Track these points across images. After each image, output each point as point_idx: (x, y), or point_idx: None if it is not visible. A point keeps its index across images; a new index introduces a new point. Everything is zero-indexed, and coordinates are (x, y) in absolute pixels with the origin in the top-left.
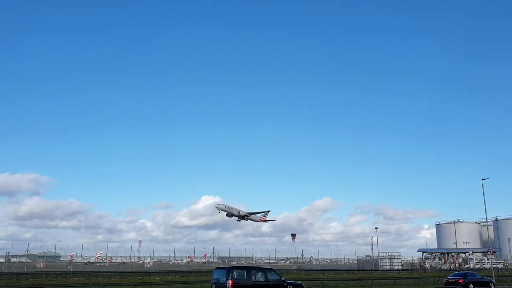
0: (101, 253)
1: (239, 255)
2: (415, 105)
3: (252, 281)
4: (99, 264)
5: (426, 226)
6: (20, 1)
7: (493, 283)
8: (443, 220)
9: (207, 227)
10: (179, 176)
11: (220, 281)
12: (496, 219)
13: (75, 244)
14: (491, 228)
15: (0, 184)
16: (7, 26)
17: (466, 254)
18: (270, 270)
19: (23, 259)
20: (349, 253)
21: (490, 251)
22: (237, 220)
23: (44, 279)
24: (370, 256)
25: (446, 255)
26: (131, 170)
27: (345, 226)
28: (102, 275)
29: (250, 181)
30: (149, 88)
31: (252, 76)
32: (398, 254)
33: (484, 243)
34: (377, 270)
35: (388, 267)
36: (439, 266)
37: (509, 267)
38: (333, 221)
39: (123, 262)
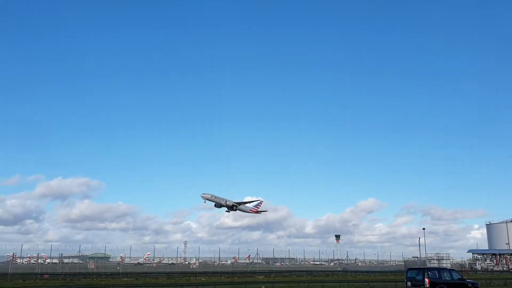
0: (148, 254)
1: (283, 256)
2: (464, 105)
3: (443, 279)
4: (147, 265)
5: (476, 226)
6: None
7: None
8: (494, 219)
9: (251, 228)
10: (223, 177)
11: (416, 279)
12: None
13: (124, 245)
14: None
15: (53, 188)
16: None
17: None
18: (454, 270)
19: (75, 260)
20: (396, 254)
21: None
22: (226, 211)
23: (95, 279)
24: (417, 257)
25: (498, 256)
26: (176, 172)
27: (391, 227)
28: (150, 276)
29: (293, 183)
30: (193, 88)
31: (291, 76)
32: (447, 255)
33: None
34: None
35: None
36: (491, 267)
37: None
38: (379, 222)
39: (172, 263)
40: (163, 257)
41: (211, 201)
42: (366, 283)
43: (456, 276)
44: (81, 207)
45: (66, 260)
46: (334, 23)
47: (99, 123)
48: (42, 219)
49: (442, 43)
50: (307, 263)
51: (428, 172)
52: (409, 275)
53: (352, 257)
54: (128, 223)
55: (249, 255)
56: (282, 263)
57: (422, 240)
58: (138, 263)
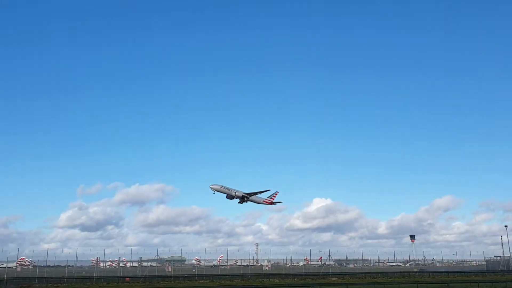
0: (221, 256)
1: (356, 257)
2: None
3: None
4: (221, 267)
5: None
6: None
7: None
8: None
9: (321, 229)
10: (292, 179)
11: None
12: None
13: (198, 248)
14: None
15: (131, 195)
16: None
17: None
18: None
19: (153, 263)
20: (476, 254)
21: None
22: (238, 202)
23: (173, 281)
24: (500, 256)
25: None
26: (246, 174)
27: (469, 225)
28: (224, 278)
29: (364, 183)
30: (266, 87)
31: (364, 79)
32: None
33: None
34: (510, 271)
35: None
36: None
37: None
38: (456, 220)
39: (247, 265)
40: (236, 259)
41: (221, 192)
42: (446, 284)
43: None
44: (157, 212)
45: (145, 264)
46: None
47: (169, 132)
48: (122, 225)
49: None
50: (381, 265)
51: (508, 168)
52: None
53: (428, 258)
54: (201, 226)
55: (321, 257)
56: (355, 265)
57: (504, 238)
58: (215, 265)
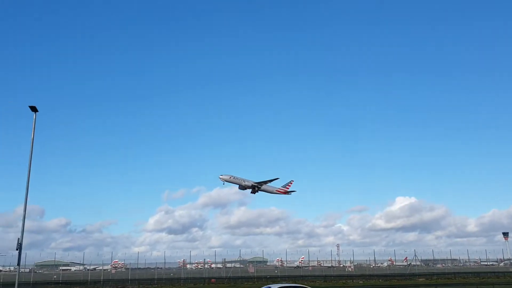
0: (303, 257)
1: (444, 257)
2: None
3: None
4: (304, 268)
5: None
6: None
7: None
8: None
9: (405, 229)
10: (372, 179)
11: None
12: None
13: (279, 249)
14: None
15: (213, 198)
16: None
17: None
18: None
19: (237, 265)
20: None
21: None
22: (251, 192)
23: (256, 282)
24: None
25: None
26: (322, 175)
27: None
28: (307, 279)
29: (449, 179)
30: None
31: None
32: None
33: None
34: None
35: None
36: None
37: None
38: None
39: (332, 266)
40: (317, 260)
41: (231, 182)
42: None
43: None
44: (238, 214)
45: (228, 265)
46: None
47: (244, 130)
48: (205, 227)
49: None
50: (472, 264)
51: None
52: None
53: None
54: (281, 227)
55: (406, 257)
56: (444, 265)
57: None
58: (298, 266)
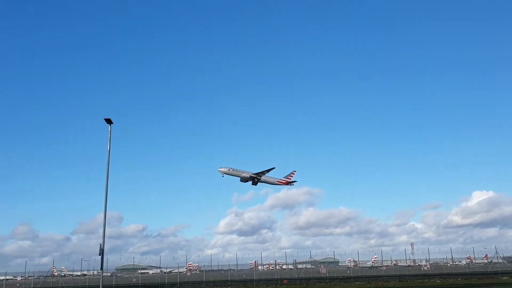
0: (375, 257)
1: None
2: None
3: None
4: (377, 268)
5: None
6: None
7: None
8: None
9: (484, 225)
10: (445, 174)
11: None
12: None
13: (350, 249)
14: None
15: (281, 199)
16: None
17: None
18: None
19: (308, 266)
20: None
21: None
22: (252, 184)
23: (328, 283)
24: None
25: None
26: (394, 172)
27: None
28: (381, 279)
29: None
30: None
31: None
32: None
33: None
34: None
35: None
36: None
37: None
38: None
39: (409, 265)
40: (391, 260)
41: (229, 174)
42: None
43: None
44: (307, 215)
45: (299, 266)
46: None
47: (322, 131)
48: (274, 228)
49: None
50: None
51: None
52: None
53: None
54: (351, 227)
55: (486, 255)
56: None
57: None
58: (372, 266)
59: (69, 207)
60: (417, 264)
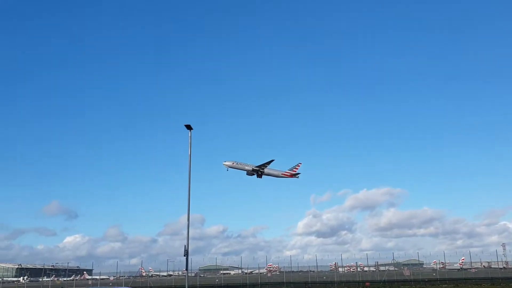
0: (463, 259)
1: None
2: None
3: None
4: (466, 270)
5: None
6: None
7: None
8: None
9: None
10: None
11: None
12: None
13: (435, 250)
14: None
15: (360, 200)
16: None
17: None
18: None
19: (391, 268)
20: None
21: None
22: (257, 177)
23: (413, 286)
24: None
25: None
26: (475, 172)
27: None
28: (470, 282)
29: None
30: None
31: None
32: None
33: None
34: None
35: None
36: None
37: None
38: None
39: (504, 267)
40: (480, 262)
41: (234, 168)
42: None
43: None
44: (388, 216)
45: (381, 268)
46: None
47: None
48: (354, 229)
49: None
50: None
51: None
52: None
53: None
54: (436, 228)
55: None
56: None
57: None
58: (462, 268)
59: (155, 210)
60: (510, 266)
